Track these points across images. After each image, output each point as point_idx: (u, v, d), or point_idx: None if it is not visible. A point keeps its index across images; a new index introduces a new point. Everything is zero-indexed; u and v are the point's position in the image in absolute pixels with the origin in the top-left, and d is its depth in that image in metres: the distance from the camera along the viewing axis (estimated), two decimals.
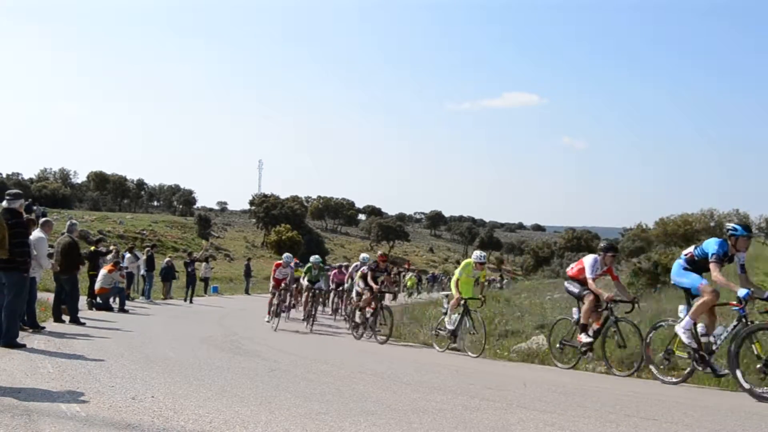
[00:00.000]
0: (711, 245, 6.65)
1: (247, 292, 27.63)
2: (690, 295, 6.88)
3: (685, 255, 7.01)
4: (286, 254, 15.29)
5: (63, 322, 10.25)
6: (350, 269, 16.20)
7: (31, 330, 8.76)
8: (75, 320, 10.31)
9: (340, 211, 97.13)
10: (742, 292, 6.21)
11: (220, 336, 10.34)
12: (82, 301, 13.62)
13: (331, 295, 17.84)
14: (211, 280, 29.09)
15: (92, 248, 14.71)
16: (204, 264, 26.19)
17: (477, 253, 10.57)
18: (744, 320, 6.25)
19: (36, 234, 8.80)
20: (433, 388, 5.92)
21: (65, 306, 10.56)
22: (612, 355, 7.88)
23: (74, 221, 11.88)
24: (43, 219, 9.55)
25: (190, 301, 19.88)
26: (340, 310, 17.20)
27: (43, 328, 9.12)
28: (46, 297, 11.39)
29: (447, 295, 10.76)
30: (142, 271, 19.10)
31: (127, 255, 18.54)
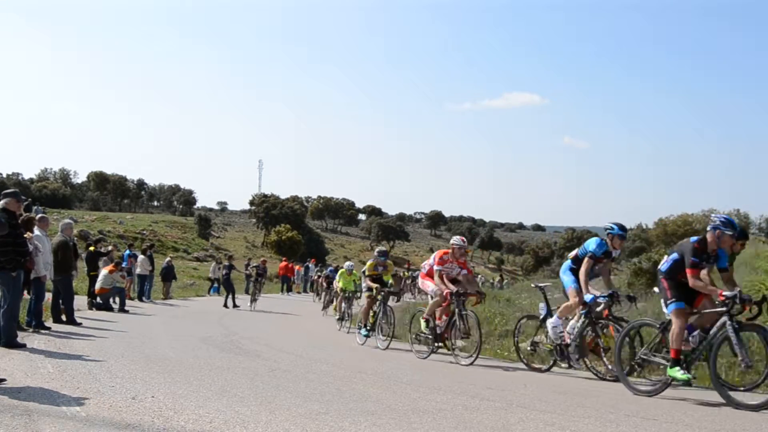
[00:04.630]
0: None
1: (247, 292, 27.60)
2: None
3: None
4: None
5: (62, 322, 10.25)
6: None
7: (31, 330, 8.77)
8: (71, 321, 10.31)
9: (340, 211, 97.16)
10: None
11: (220, 336, 10.33)
12: (83, 301, 13.65)
13: None
14: (212, 280, 29.19)
15: (92, 249, 14.70)
16: (214, 265, 26.66)
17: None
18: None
19: (36, 232, 8.81)
20: (433, 388, 5.92)
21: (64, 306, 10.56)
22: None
23: (68, 220, 11.82)
24: (40, 216, 9.48)
25: (234, 305, 18.63)
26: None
27: (49, 328, 9.17)
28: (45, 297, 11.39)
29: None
30: (141, 271, 18.98)
31: (141, 257, 18.45)
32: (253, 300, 18.61)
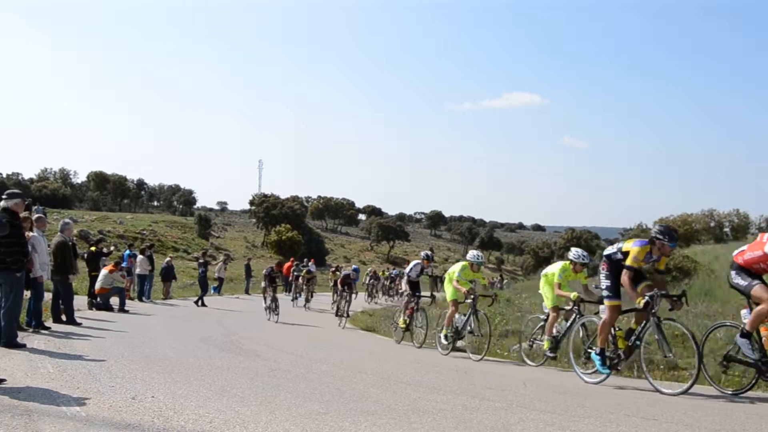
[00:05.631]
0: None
1: (247, 291, 27.62)
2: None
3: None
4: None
5: (62, 322, 10.25)
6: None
7: (31, 330, 8.77)
8: (71, 321, 10.32)
9: (340, 211, 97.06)
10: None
11: (220, 336, 10.33)
12: (83, 301, 13.65)
13: None
14: (212, 280, 29.27)
15: (93, 249, 14.71)
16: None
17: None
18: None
19: (33, 232, 8.80)
20: (433, 388, 5.92)
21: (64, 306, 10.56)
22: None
23: (67, 220, 11.80)
24: (37, 216, 9.46)
25: (202, 304, 18.36)
26: None
27: (49, 328, 9.17)
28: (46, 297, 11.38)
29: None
30: (141, 271, 18.95)
31: (140, 257, 18.42)
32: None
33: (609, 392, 6.18)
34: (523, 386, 6.30)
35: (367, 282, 27.51)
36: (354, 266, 18.03)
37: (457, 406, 5.03)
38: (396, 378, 6.50)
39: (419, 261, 12.01)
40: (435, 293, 15.62)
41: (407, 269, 12.10)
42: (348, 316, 14.78)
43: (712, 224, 51.11)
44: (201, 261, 20.29)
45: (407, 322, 11.10)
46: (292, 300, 22.03)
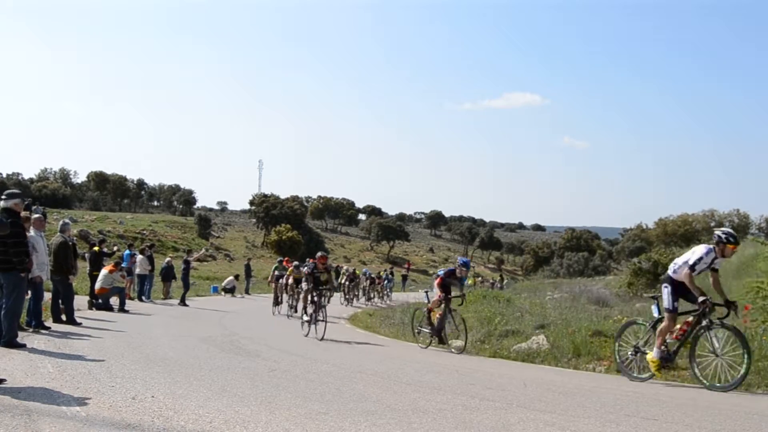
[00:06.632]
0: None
1: (247, 291, 27.62)
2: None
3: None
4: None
5: (62, 322, 10.26)
6: None
7: (31, 330, 8.77)
8: (71, 321, 10.32)
9: (340, 211, 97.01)
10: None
11: (220, 336, 10.33)
12: (83, 301, 13.65)
13: None
14: (212, 280, 29.31)
15: (96, 249, 14.71)
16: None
17: None
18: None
19: (31, 232, 8.79)
20: (433, 388, 5.92)
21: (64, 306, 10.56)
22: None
23: (67, 220, 11.78)
24: (35, 216, 9.45)
25: (183, 303, 18.09)
26: None
27: (49, 327, 9.18)
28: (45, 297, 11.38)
29: None
30: (141, 271, 18.92)
31: (140, 257, 18.40)
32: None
33: (609, 392, 6.18)
34: (523, 386, 6.30)
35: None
36: (463, 258, 11.33)
37: (457, 406, 5.03)
38: (396, 378, 6.50)
39: (711, 247, 6.90)
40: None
41: (692, 259, 6.89)
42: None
43: (712, 224, 51.23)
44: (185, 258, 20.09)
45: (667, 345, 6.80)
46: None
